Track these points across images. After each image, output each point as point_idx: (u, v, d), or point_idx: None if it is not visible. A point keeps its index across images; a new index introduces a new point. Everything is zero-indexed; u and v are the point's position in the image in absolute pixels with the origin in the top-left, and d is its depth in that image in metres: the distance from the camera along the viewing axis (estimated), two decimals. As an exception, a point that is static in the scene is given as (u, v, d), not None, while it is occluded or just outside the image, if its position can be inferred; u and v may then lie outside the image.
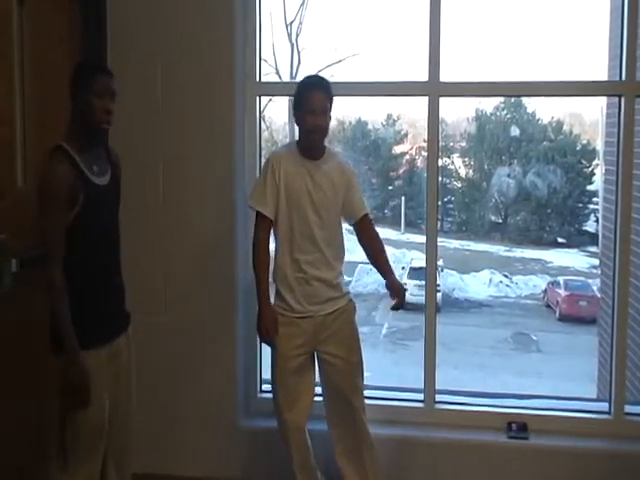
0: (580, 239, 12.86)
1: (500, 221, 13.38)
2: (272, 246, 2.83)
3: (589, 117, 12.81)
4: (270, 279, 2.82)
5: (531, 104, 12.54)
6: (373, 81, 3.36)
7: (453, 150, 13.27)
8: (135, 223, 2.94)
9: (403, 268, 10.92)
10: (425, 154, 3.30)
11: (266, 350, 2.87)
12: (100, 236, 2.36)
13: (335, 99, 2.77)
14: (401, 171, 13.57)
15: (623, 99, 3.06)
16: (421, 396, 3.28)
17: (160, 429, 3.23)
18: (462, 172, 13.43)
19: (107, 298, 2.40)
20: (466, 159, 13.32)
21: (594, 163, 12.38)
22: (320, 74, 3.11)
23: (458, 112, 13.01)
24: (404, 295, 2.80)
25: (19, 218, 2.57)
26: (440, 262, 8.08)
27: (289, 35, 10.83)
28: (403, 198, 13.09)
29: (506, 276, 12.23)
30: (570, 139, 12.74)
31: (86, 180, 2.28)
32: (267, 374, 3.26)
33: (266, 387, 3.34)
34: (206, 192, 3.18)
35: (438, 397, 3.29)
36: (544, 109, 12.62)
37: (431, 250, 3.23)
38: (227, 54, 3.14)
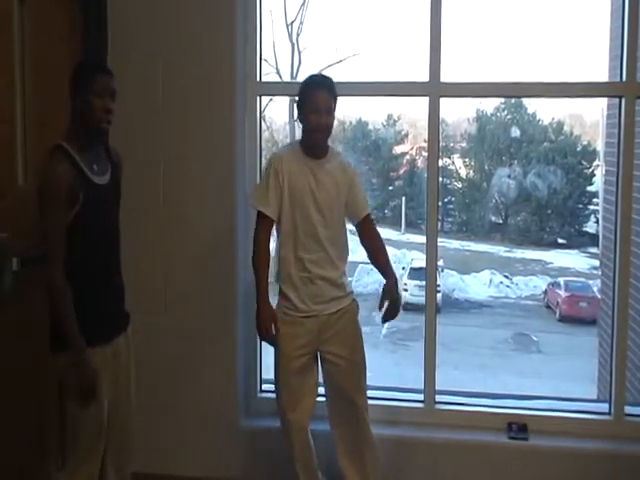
0: (580, 240, 12.86)
1: (500, 222, 13.38)
2: (272, 246, 2.83)
3: (590, 118, 12.82)
4: (270, 279, 2.82)
5: (532, 105, 12.54)
6: (374, 81, 3.36)
7: (453, 150, 13.27)
8: (135, 223, 2.94)
9: (403, 268, 10.93)
10: (425, 154, 3.30)
11: (266, 350, 2.87)
12: (100, 236, 2.36)
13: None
14: (401, 171, 13.57)
15: (623, 100, 3.06)
16: (421, 396, 3.28)
17: (160, 429, 3.23)
18: (462, 172, 13.42)
19: (107, 298, 2.40)
20: (466, 159, 13.31)
21: (594, 164, 12.37)
22: (324, 73, 3.10)
23: (459, 112, 13.01)
24: (397, 307, 2.77)
25: (20, 217, 2.57)
26: (440, 262, 8.06)
27: (290, 35, 10.83)
28: (403, 198, 13.09)
29: (506, 277, 12.23)
30: (570, 140, 12.74)
31: (86, 179, 2.28)
32: (267, 374, 3.27)
33: (266, 387, 3.35)
34: (206, 192, 3.18)
35: (438, 397, 3.29)
36: (545, 110, 12.62)
37: (431, 250, 3.23)
38: (228, 54, 3.14)
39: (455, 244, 12.92)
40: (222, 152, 3.17)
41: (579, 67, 10.93)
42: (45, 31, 2.75)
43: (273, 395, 2.90)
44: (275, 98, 6.09)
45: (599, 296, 8.78)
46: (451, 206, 13.48)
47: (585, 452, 3.05)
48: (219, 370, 3.23)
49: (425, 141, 3.59)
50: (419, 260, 10.18)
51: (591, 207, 12.69)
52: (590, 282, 11.32)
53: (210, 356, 3.22)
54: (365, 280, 10.08)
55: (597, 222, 11.95)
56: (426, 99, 3.16)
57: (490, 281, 12.14)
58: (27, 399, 2.64)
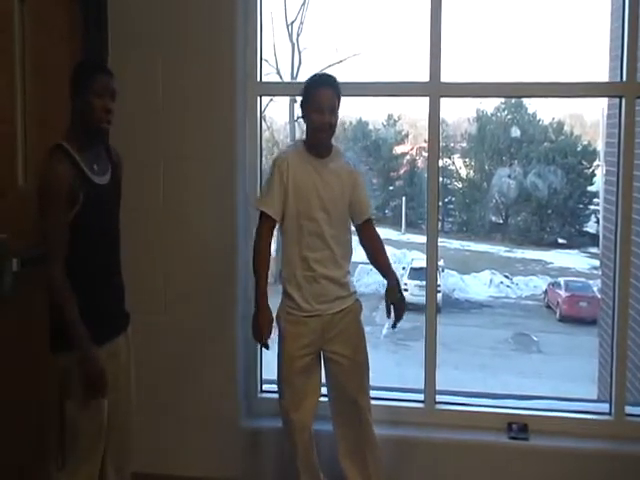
0: (581, 240, 12.88)
1: (501, 222, 13.40)
2: (272, 247, 2.82)
3: (590, 118, 12.84)
4: (270, 279, 2.81)
5: (532, 105, 12.57)
6: (374, 81, 3.36)
7: (454, 150, 13.29)
8: (135, 223, 2.94)
9: (404, 268, 10.94)
10: (426, 154, 3.30)
11: (267, 350, 2.86)
12: (100, 236, 2.36)
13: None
14: (402, 171, 13.60)
15: (624, 100, 3.06)
16: (421, 396, 3.28)
17: (160, 429, 3.23)
18: (463, 172, 13.45)
19: (107, 298, 2.40)
20: (467, 160, 13.34)
21: (595, 164, 12.40)
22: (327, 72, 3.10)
23: (459, 113, 13.04)
24: (403, 308, 2.76)
25: (20, 217, 2.56)
26: (441, 262, 8.06)
27: (290, 35, 10.84)
28: (404, 198, 13.11)
29: (507, 277, 12.25)
30: (571, 140, 12.76)
31: (86, 179, 2.28)
32: (267, 374, 3.27)
33: (266, 387, 3.35)
34: (206, 192, 3.18)
35: (438, 397, 3.28)
36: (545, 110, 12.65)
37: (432, 250, 3.23)
38: (228, 54, 3.14)
39: (455, 244, 12.94)
40: (222, 152, 3.17)
41: (579, 67, 10.96)
42: (45, 30, 2.75)
43: (273, 395, 2.90)
44: (275, 98, 6.09)
45: (599, 296, 8.79)
46: (451, 206, 13.50)
47: (585, 452, 3.05)
48: (219, 370, 3.23)
49: (425, 141, 3.59)
50: (419, 260, 10.19)
51: (591, 207, 12.72)
52: (590, 282, 11.34)
53: (210, 356, 3.22)
54: (365, 280, 10.10)
55: (597, 222, 11.96)
56: (426, 99, 3.15)
57: (490, 281, 12.16)
58: (27, 399, 2.63)
